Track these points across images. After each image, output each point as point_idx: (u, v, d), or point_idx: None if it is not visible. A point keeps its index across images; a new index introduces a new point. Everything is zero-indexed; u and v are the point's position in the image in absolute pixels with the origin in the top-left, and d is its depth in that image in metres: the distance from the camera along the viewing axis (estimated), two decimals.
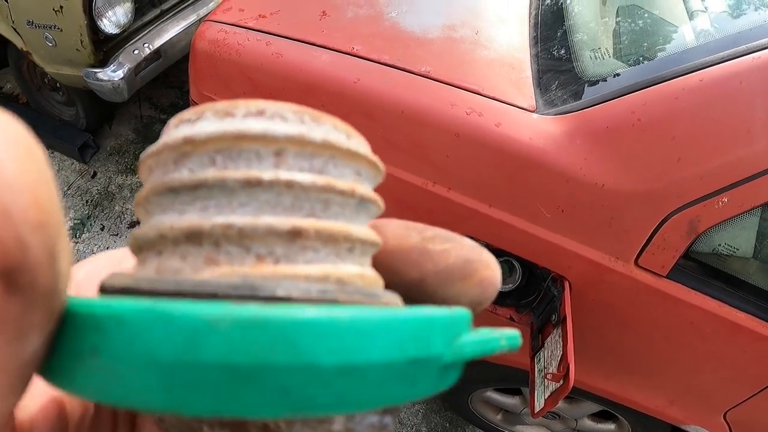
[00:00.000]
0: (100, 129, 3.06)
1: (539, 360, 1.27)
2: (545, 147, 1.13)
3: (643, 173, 1.12)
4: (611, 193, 1.12)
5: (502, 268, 1.38)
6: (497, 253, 1.32)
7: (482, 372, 1.73)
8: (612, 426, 1.86)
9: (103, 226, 2.72)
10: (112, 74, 2.49)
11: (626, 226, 1.15)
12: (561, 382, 1.12)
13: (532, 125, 1.15)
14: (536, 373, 1.27)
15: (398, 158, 1.23)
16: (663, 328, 1.28)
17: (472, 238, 1.29)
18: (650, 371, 1.43)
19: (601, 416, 1.86)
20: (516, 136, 1.14)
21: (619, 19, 1.38)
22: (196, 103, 1.50)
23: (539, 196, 1.16)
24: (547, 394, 1.18)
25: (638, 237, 1.16)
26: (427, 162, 1.21)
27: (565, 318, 1.17)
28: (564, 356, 1.12)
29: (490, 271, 0.19)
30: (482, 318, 1.44)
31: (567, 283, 1.23)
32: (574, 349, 1.13)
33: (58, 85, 2.88)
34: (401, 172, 1.23)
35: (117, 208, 2.78)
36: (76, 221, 2.74)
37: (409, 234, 0.19)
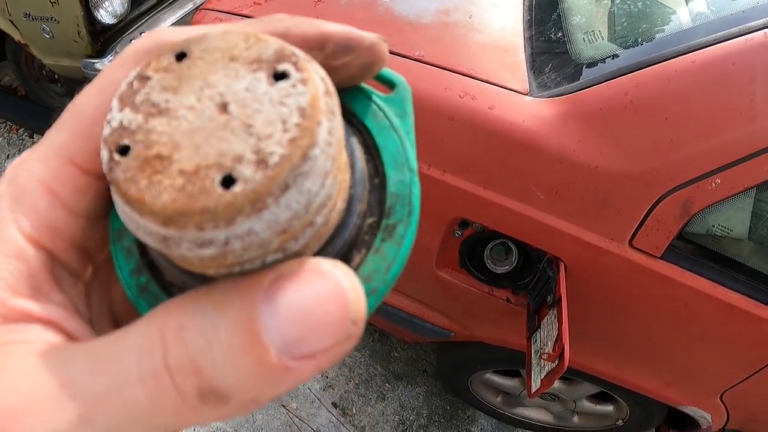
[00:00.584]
0: None
1: (536, 340, 1.29)
2: (539, 129, 1.14)
3: (636, 155, 1.13)
4: (605, 175, 1.13)
5: (499, 249, 1.39)
6: (493, 235, 1.33)
7: (481, 354, 1.75)
8: (610, 407, 1.88)
9: None
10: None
11: (620, 208, 1.16)
12: (556, 362, 1.13)
13: (525, 108, 1.16)
14: (533, 353, 1.28)
15: None
16: (658, 309, 1.29)
17: (467, 220, 1.30)
18: (647, 352, 1.44)
19: (599, 398, 1.87)
20: (509, 118, 1.15)
21: (613, 1, 1.38)
22: None
23: (533, 178, 1.16)
24: (543, 374, 1.19)
25: (632, 218, 1.16)
26: (422, 146, 1.22)
27: (560, 299, 1.18)
28: (559, 336, 1.13)
29: (383, 62, 0.22)
30: (479, 299, 1.45)
31: (562, 264, 1.24)
32: (569, 329, 1.14)
33: (56, 76, 2.89)
34: None
35: None
36: None
37: (312, 56, 0.20)
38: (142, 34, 0.22)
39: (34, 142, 3.03)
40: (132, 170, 0.17)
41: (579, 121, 1.14)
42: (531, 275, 1.36)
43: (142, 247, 0.21)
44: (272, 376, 0.17)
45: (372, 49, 0.21)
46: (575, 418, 2.01)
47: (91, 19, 2.41)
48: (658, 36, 1.23)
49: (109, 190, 0.21)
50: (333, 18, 1.41)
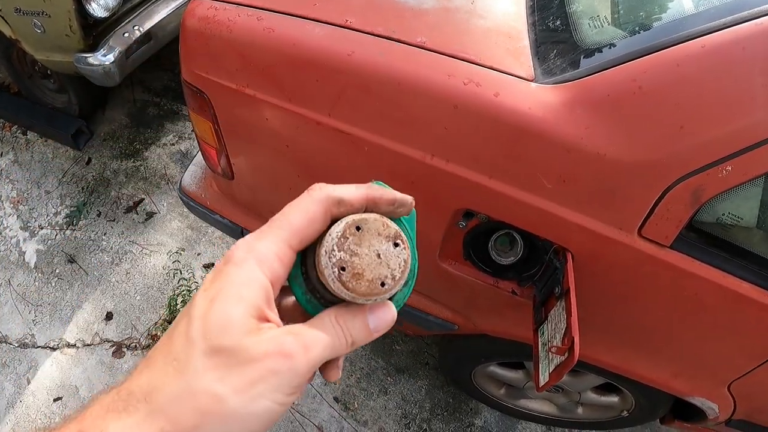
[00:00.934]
0: (94, 115, 3.01)
1: (543, 333, 1.25)
2: (545, 116, 1.10)
3: (645, 142, 1.09)
4: (613, 163, 1.09)
5: (504, 239, 1.36)
6: (498, 225, 1.30)
7: (485, 346, 1.72)
8: (615, 398, 1.85)
9: (100, 212, 2.70)
10: (103, 58, 2.44)
11: (629, 196, 1.12)
12: (566, 355, 1.10)
13: (531, 95, 1.12)
14: (540, 346, 1.25)
15: (396, 131, 1.20)
16: (667, 300, 1.26)
17: (471, 211, 1.26)
18: (654, 343, 1.41)
19: (604, 389, 1.85)
20: (515, 105, 1.11)
21: None
22: (188, 84, 1.46)
23: (540, 166, 1.13)
24: (552, 367, 1.16)
25: (641, 207, 1.13)
26: (425, 134, 1.18)
27: (568, 290, 1.15)
28: (568, 329, 1.10)
29: (412, 208, 0.46)
30: (484, 291, 1.42)
31: (569, 254, 1.20)
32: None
33: (48, 72, 2.83)
34: (399, 146, 1.20)
35: (113, 193, 2.75)
36: (72, 208, 2.71)
37: (389, 210, 0.44)
38: (314, 186, 0.43)
39: (28, 140, 2.98)
40: (348, 277, 0.39)
41: (586, 107, 1.10)
42: (537, 266, 1.33)
43: (307, 283, 0.43)
44: (369, 338, 0.42)
45: (411, 205, 0.45)
46: (579, 410, 1.98)
47: (83, 13, 2.36)
48: (665, 21, 1.19)
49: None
50: (330, 5, 1.37)
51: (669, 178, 1.10)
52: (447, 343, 1.90)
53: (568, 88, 1.12)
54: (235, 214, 1.74)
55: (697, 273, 1.19)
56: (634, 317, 1.35)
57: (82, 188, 2.78)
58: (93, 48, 2.47)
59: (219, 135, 1.52)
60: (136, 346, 2.36)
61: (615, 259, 1.20)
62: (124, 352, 2.36)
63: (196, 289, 2.33)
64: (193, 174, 1.87)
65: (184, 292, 2.28)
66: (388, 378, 2.25)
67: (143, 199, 2.73)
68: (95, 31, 2.48)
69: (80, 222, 2.68)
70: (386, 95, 1.18)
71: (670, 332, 1.36)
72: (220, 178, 1.69)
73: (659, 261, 1.17)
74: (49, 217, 2.70)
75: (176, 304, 2.31)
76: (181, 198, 1.87)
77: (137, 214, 2.69)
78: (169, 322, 2.35)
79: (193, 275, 2.39)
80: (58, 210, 2.73)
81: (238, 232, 1.75)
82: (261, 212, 1.68)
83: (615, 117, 1.09)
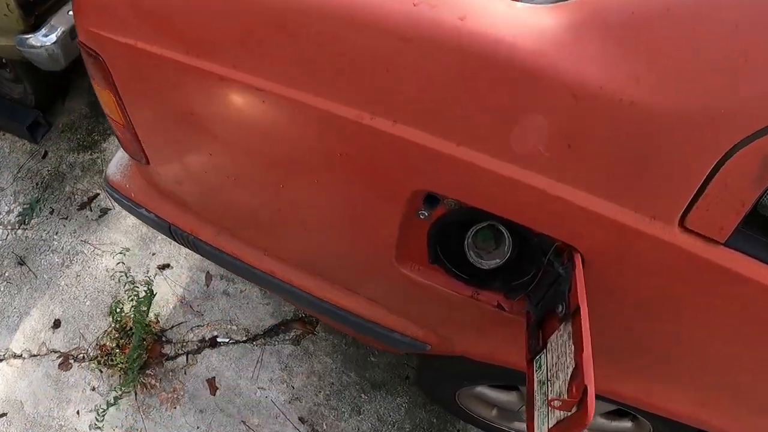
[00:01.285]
0: (53, 105, 2.63)
1: (540, 366, 0.83)
2: (539, 48, 0.67)
3: (689, 84, 0.67)
4: (643, 116, 0.67)
5: (485, 235, 0.93)
6: (475, 214, 0.87)
7: (467, 368, 1.30)
8: (629, 424, 1.43)
9: (53, 210, 2.31)
10: (44, 39, 2.04)
11: (667, 168, 0.69)
12: (574, 409, 0.68)
13: (515, 18, 0.69)
14: (536, 385, 0.82)
15: (322, 83, 0.77)
16: (717, 315, 0.83)
17: (435, 194, 0.83)
18: (691, 371, 0.98)
19: (615, 413, 1.42)
20: (491, 34, 0.68)
21: None
22: (83, 45, 1.05)
23: (531, 124, 0.70)
24: (552, 421, 0.73)
25: (684, 185, 0.70)
26: (362, 84, 0.75)
27: (577, 309, 0.72)
28: (578, 371, 0.67)
29: None
30: (460, 305, 0.99)
31: (578, 256, 0.77)
32: (592, 356, 0.68)
33: (4, 61, 2.44)
34: (327, 103, 0.77)
35: (67, 188, 2.36)
36: (25, 206, 2.33)
37: None
38: None
39: None
40: None
41: (600, 34, 0.67)
42: (533, 271, 0.90)
43: None
44: None
45: None
46: None
47: None
48: None
49: None
50: None
51: (727, 140, 0.67)
52: (425, 361, 1.48)
53: (573, 9, 0.70)
54: (161, 206, 1.33)
55: (761, 280, 0.76)
56: (668, 338, 0.92)
57: (37, 184, 2.39)
58: (35, 28, 2.07)
59: (122, 107, 1.11)
60: (83, 357, 1.98)
61: (645, 262, 0.77)
62: (71, 364, 1.98)
63: (145, 292, 1.93)
64: (119, 162, 1.46)
65: (133, 297, 1.88)
66: (362, 395, 1.83)
67: (98, 194, 2.33)
68: (38, 10, 2.09)
69: (33, 220, 2.29)
70: (307, 33, 0.76)
71: (717, 358, 0.93)
72: (141, 165, 1.27)
73: (710, 264, 0.74)
74: (1, 216, 2.32)
75: (120, 311, 1.91)
76: (106, 189, 1.46)
77: (91, 210, 2.29)
78: (118, 331, 1.95)
79: (134, 279, 2.00)
80: (11, 208, 2.35)
81: (165, 228, 1.34)
82: (188, 203, 1.26)
83: (643, 47, 0.67)
